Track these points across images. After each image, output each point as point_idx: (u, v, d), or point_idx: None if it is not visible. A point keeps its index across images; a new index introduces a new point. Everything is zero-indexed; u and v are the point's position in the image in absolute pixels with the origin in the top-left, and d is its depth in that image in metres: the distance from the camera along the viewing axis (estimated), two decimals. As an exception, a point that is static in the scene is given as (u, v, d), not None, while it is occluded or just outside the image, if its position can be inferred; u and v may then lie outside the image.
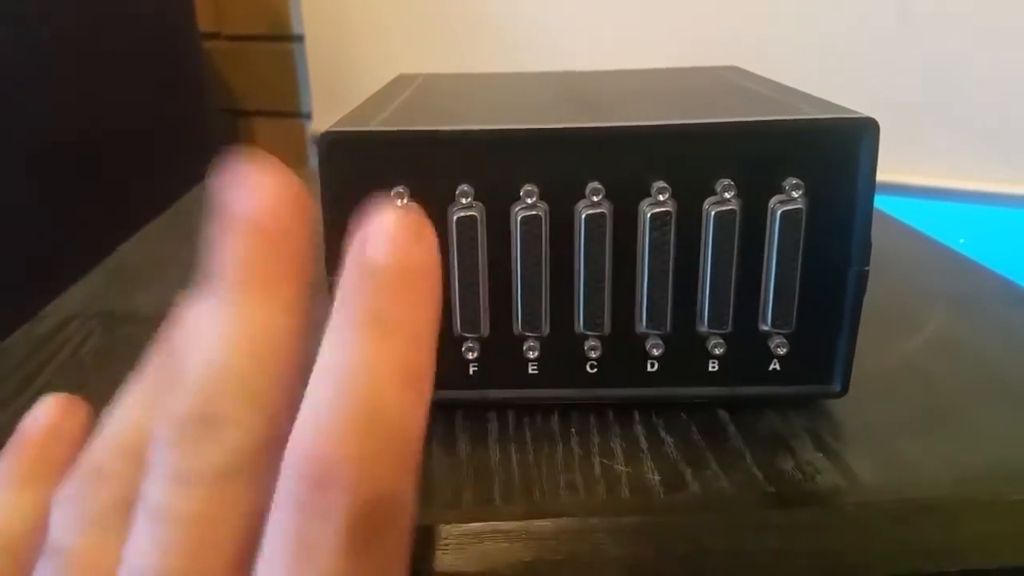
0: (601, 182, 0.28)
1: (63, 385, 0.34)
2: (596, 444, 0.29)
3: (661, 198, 0.28)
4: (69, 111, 0.80)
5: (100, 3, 0.85)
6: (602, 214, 0.28)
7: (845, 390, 0.30)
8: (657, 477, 0.27)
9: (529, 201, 0.28)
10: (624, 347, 0.30)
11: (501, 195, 0.28)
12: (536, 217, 0.28)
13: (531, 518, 0.25)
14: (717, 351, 0.29)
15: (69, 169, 0.80)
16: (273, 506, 0.17)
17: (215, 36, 1.19)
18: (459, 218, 0.28)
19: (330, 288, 0.29)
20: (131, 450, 0.20)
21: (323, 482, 0.17)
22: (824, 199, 0.28)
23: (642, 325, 0.29)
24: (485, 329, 0.29)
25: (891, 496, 0.26)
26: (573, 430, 0.30)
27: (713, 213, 0.28)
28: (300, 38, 1.13)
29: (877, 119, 0.27)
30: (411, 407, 0.18)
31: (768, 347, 0.30)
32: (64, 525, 0.20)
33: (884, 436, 0.29)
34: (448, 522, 0.25)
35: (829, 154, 0.28)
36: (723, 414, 0.31)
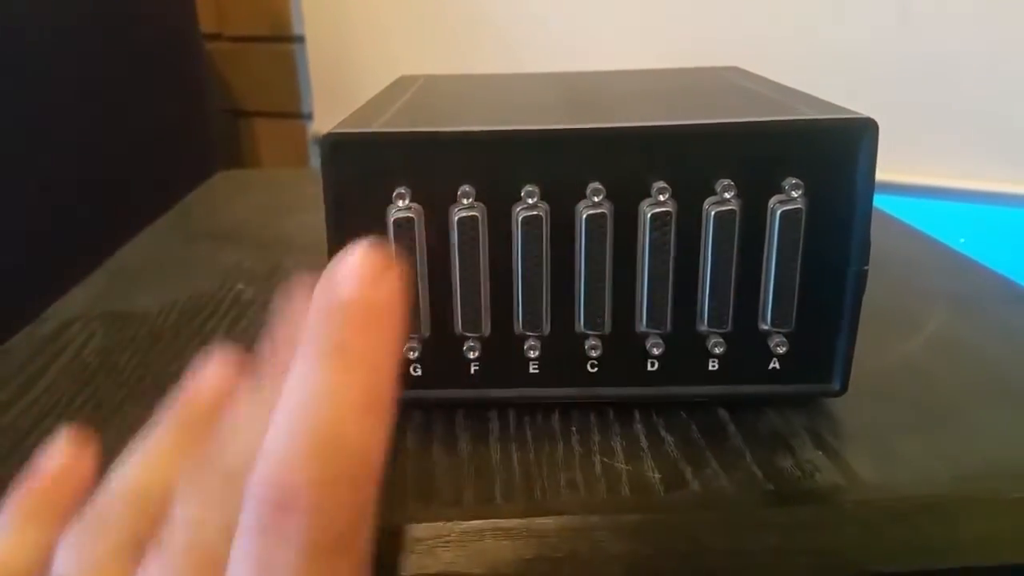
0: (602, 182, 0.28)
1: (66, 386, 0.34)
2: (596, 443, 0.29)
3: (661, 198, 0.28)
4: (70, 113, 0.81)
5: (101, 4, 0.85)
6: (603, 214, 0.28)
7: (844, 389, 0.30)
8: (657, 475, 0.27)
9: (530, 201, 0.28)
10: (624, 346, 0.30)
11: (502, 195, 0.28)
12: (537, 217, 0.28)
13: (532, 516, 0.25)
14: (717, 350, 0.30)
15: (69, 169, 0.80)
16: (238, 531, 0.18)
17: (216, 37, 1.19)
18: (460, 218, 0.28)
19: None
20: (137, 500, 0.21)
21: (284, 506, 0.17)
22: (823, 199, 0.28)
23: (642, 324, 0.29)
24: (486, 329, 0.30)
25: (890, 494, 0.26)
26: (574, 429, 0.30)
27: (713, 213, 0.28)
28: (301, 39, 1.13)
29: (877, 119, 0.27)
30: (371, 434, 0.19)
31: (768, 346, 0.30)
32: (67, 566, 0.21)
33: (883, 434, 0.29)
34: (450, 520, 0.25)
35: (828, 154, 0.28)
36: (723, 413, 0.31)
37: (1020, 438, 0.29)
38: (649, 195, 0.28)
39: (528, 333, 0.30)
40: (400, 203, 0.28)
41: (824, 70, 0.81)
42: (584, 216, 0.28)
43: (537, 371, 0.30)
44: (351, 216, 0.28)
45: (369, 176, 0.28)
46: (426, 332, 0.30)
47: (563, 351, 0.30)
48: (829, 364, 0.30)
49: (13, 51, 0.75)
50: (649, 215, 0.28)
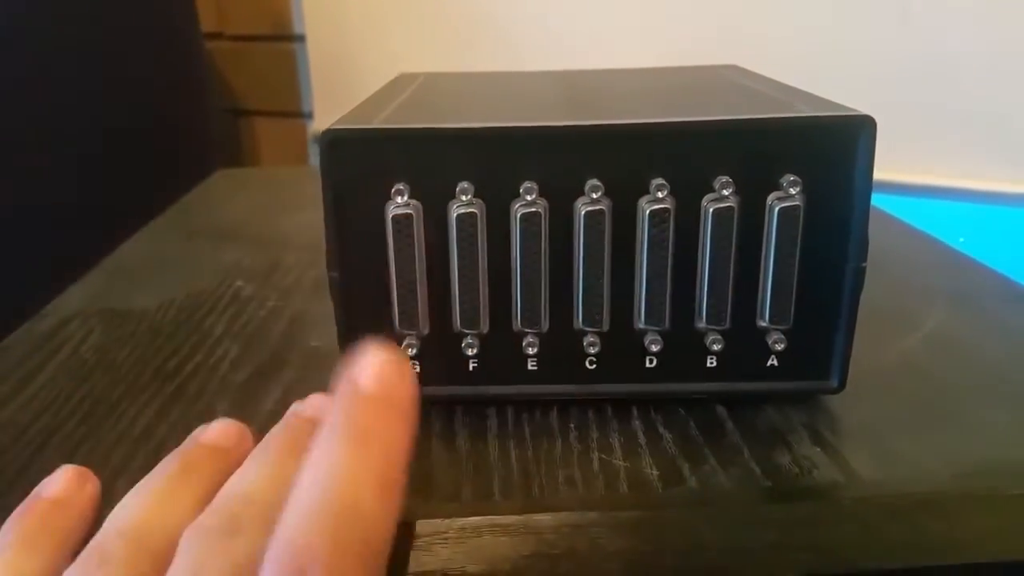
0: (600, 179, 0.28)
1: (64, 383, 0.34)
2: (595, 439, 0.29)
3: (660, 195, 0.28)
4: (71, 111, 0.81)
5: (101, 3, 0.85)
6: (601, 211, 0.28)
7: (842, 386, 0.30)
8: (655, 472, 0.27)
9: (529, 198, 0.28)
10: (623, 343, 0.30)
11: (501, 192, 0.28)
12: (536, 214, 0.28)
13: (530, 512, 0.25)
14: (715, 347, 0.30)
15: (69, 167, 0.80)
16: None
17: (217, 36, 1.19)
18: (459, 215, 0.28)
19: (329, 285, 0.29)
20: (139, 540, 0.22)
21: (302, 569, 0.19)
22: (822, 196, 0.28)
23: (641, 321, 0.29)
24: (485, 325, 0.30)
25: (888, 491, 0.26)
26: (572, 426, 0.30)
27: (711, 210, 0.28)
28: (301, 38, 1.13)
29: (877, 118, 0.27)
30: (382, 511, 0.21)
31: (766, 343, 0.30)
32: None
33: (882, 432, 0.29)
34: (448, 516, 0.25)
35: (827, 151, 0.28)
36: (721, 410, 0.31)
37: (1018, 436, 0.29)
38: (648, 192, 0.28)
39: (527, 330, 0.30)
40: (399, 199, 0.28)
41: (824, 69, 0.81)
42: (583, 213, 0.28)
43: (536, 368, 0.30)
44: (350, 212, 0.28)
45: (368, 172, 0.28)
46: (425, 329, 0.30)
47: (561, 348, 0.30)
48: (827, 361, 0.30)
49: (13, 50, 0.75)
50: (647, 212, 0.28)
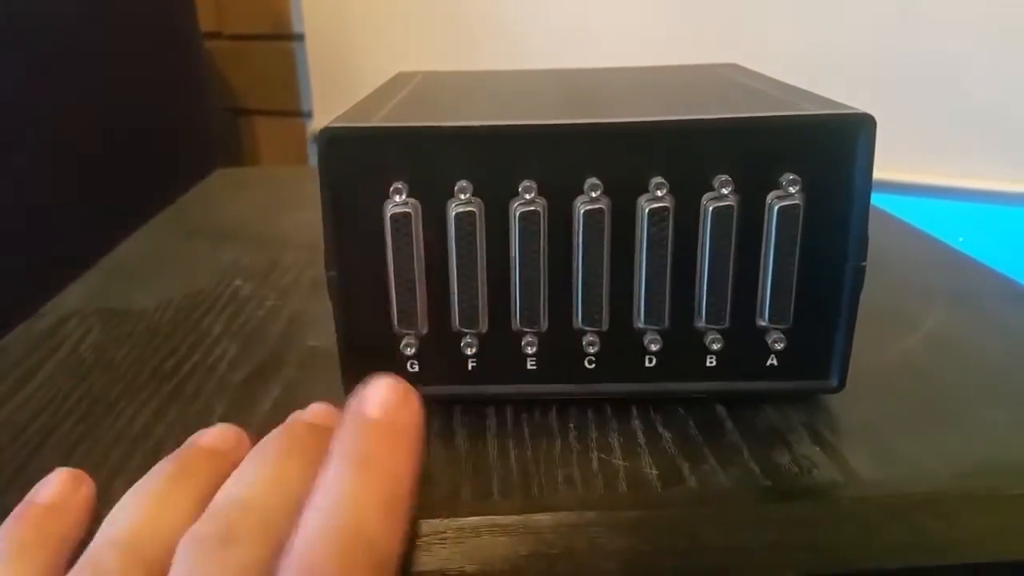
0: (599, 178, 0.28)
1: (62, 382, 0.34)
2: (594, 439, 0.29)
3: (659, 194, 0.28)
4: (70, 110, 0.80)
5: (101, 3, 0.85)
6: (600, 210, 0.28)
7: (842, 385, 0.30)
8: (655, 472, 0.27)
9: (528, 197, 0.28)
10: (622, 342, 0.30)
11: (500, 191, 0.28)
12: (534, 213, 0.28)
13: (529, 512, 0.25)
14: (715, 346, 0.29)
15: (69, 167, 0.80)
16: None
17: (216, 35, 1.19)
18: (458, 214, 0.28)
19: (328, 285, 0.29)
20: (133, 550, 0.22)
21: None
22: (821, 195, 0.28)
23: (640, 321, 0.29)
24: (483, 325, 0.29)
25: (888, 491, 0.26)
26: (571, 425, 0.30)
27: (711, 209, 0.28)
28: (301, 37, 1.13)
29: (877, 117, 0.27)
30: (389, 532, 0.21)
31: (765, 342, 0.30)
32: None
33: (881, 431, 0.29)
34: (446, 516, 0.25)
35: (826, 150, 0.28)
36: (720, 409, 0.31)
37: (1018, 436, 0.29)
38: (647, 191, 0.28)
39: (526, 329, 0.30)
40: (397, 198, 0.28)
41: (824, 69, 0.81)
42: (582, 212, 0.28)
43: (535, 367, 0.30)
44: (348, 211, 0.28)
45: (366, 171, 0.28)
46: (423, 328, 0.30)
47: (561, 347, 0.30)
48: (827, 361, 0.30)
49: (13, 49, 0.75)
50: (647, 211, 0.28)
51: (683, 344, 0.30)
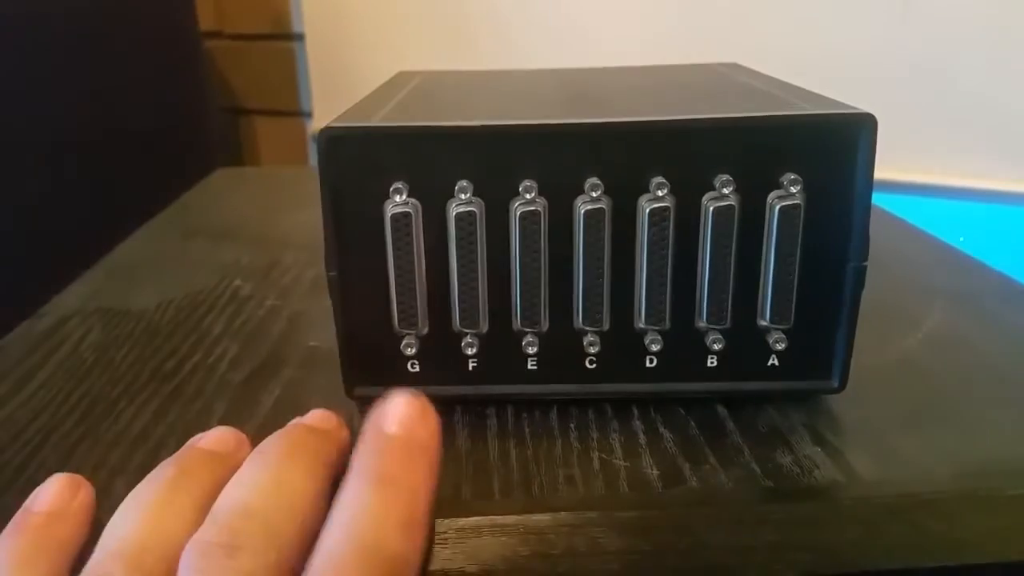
0: (600, 178, 0.28)
1: (62, 382, 0.34)
2: (595, 439, 0.29)
3: (660, 194, 0.28)
4: (70, 110, 0.80)
5: (101, 2, 0.85)
6: (601, 210, 0.28)
7: (843, 386, 0.30)
8: (655, 472, 0.27)
9: (528, 197, 0.28)
10: (623, 343, 0.30)
11: (500, 191, 0.28)
12: (535, 213, 0.28)
13: (530, 512, 0.25)
14: (715, 347, 0.29)
15: (69, 167, 0.80)
16: None
17: (216, 35, 1.19)
18: (458, 213, 0.28)
19: (328, 285, 0.29)
20: (135, 561, 0.22)
21: None
22: (822, 195, 0.28)
23: (641, 321, 0.29)
24: (484, 325, 0.29)
25: (889, 491, 0.26)
26: (572, 425, 0.30)
27: (712, 209, 0.28)
28: (301, 37, 1.13)
29: (877, 116, 0.27)
30: (410, 548, 0.22)
31: (766, 343, 0.30)
32: None
33: (882, 431, 0.29)
34: (447, 516, 0.25)
35: (827, 150, 0.28)
36: (721, 409, 0.31)
37: (1019, 435, 0.29)
38: (647, 191, 0.28)
39: (526, 329, 0.30)
40: (397, 198, 0.28)
41: (824, 68, 0.80)
42: (582, 211, 0.28)
43: (535, 367, 0.30)
44: (348, 211, 0.28)
45: (366, 171, 0.28)
46: (424, 328, 0.30)
47: (561, 347, 0.30)
48: (828, 361, 0.30)
49: (13, 49, 0.75)
50: (647, 211, 0.28)
51: (684, 344, 0.30)
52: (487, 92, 0.39)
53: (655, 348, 0.30)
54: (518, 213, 0.28)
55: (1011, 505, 0.26)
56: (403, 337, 0.30)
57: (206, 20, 1.10)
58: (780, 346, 0.29)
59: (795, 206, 0.28)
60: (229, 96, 1.24)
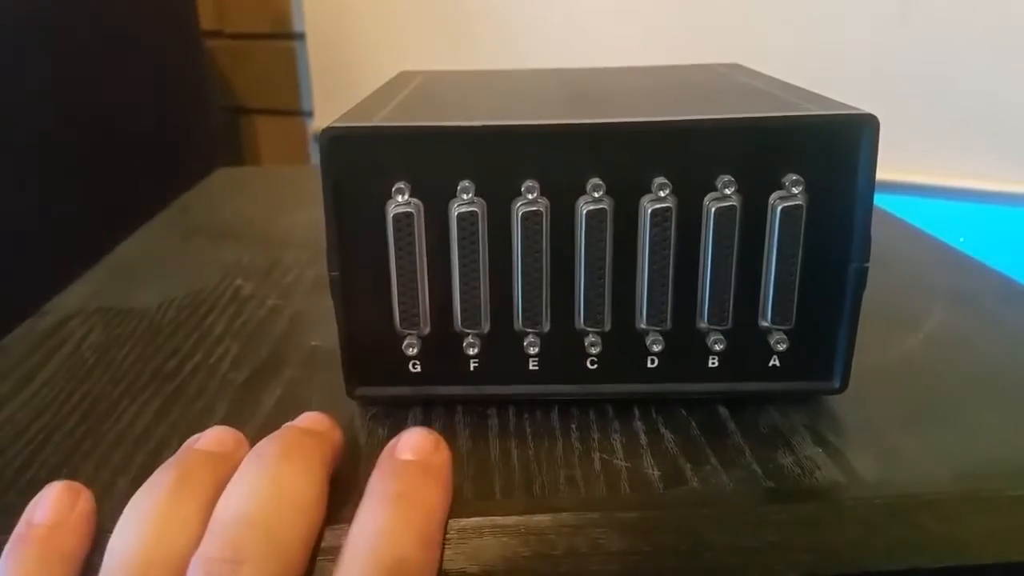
0: (602, 178, 0.28)
1: (64, 381, 0.34)
2: (596, 440, 0.29)
3: (662, 194, 0.28)
4: (70, 110, 0.80)
5: (101, 2, 0.85)
6: (603, 210, 0.28)
7: (844, 386, 0.30)
8: (657, 472, 0.27)
9: (530, 197, 0.28)
10: (624, 343, 0.30)
11: (502, 191, 0.28)
12: (537, 213, 0.28)
13: (531, 513, 0.25)
14: (717, 347, 0.29)
15: (70, 167, 0.80)
16: None
17: (217, 34, 1.19)
18: (460, 214, 0.28)
19: (330, 284, 0.29)
20: (140, 574, 0.22)
21: None
22: (824, 195, 0.28)
23: (642, 321, 0.29)
24: (486, 325, 0.29)
25: (890, 491, 0.26)
26: (573, 426, 0.30)
27: (713, 209, 0.28)
28: (302, 36, 1.13)
29: (878, 117, 0.27)
30: (426, 563, 0.23)
31: (768, 343, 0.30)
32: None
33: (883, 432, 0.29)
34: (448, 517, 0.25)
35: (829, 150, 0.28)
36: (723, 410, 0.31)
37: (1020, 435, 0.29)
38: (649, 191, 0.28)
39: (528, 330, 0.30)
40: (399, 198, 0.28)
41: (824, 69, 0.81)
42: (584, 212, 0.28)
43: (537, 368, 0.30)
44: (350, 211, 0.28)
45: (368, 171, 0.28)
46: (426, 328, 0.30)
47: (563, 348, 0.30)
48: (829, 361, 0.30)
49: (13, 49, 0.75)
50: (649, 211, 0.28)
51: (685, 345, 0.30)
52: (489, 92, 0.39)
53: (656, 348, 0.30)
54: (520, 213, 0.28)
55: (1012, 506, 0.26)
56: (405, 337, 0.30)
57: (207, 19, 1.10)
58: (781, 347, 0.29)
59: (797, 207, 0.28)
60: (230, 95, 1.24)
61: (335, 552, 0.23)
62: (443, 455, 0.26)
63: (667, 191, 0.28)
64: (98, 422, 0.31)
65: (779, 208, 0.28)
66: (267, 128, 1.26)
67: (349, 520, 0.24)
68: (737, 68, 0.44)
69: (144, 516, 0.23)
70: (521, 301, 0.29)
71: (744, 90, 0.36)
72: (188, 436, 0.27)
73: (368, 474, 0.25)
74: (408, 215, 0.28)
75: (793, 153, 0.28)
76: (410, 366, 0.30)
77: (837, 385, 0.30)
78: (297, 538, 0.23)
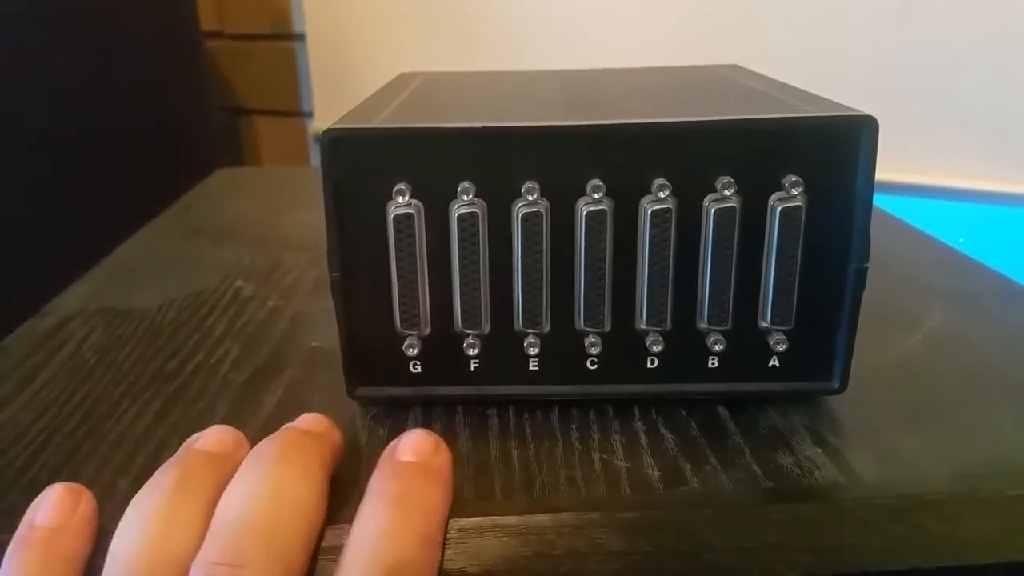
0: (602, 179, 0.28)
1: (64, 382, 0.34)
2: (596, 440, 0.29)
3: (661, 195, 0.28)
4: (70, 110, 0.80)
5: (101, 3, 0.85)
6: (603, 211, 0.28)
7: (844, 387, 0.30)
8: (657, 473, 0.27)
9: (530, 198, 0.28)
10: (624, 344, 0.30)
11: (502, 192, 0.28)
12: (537, 214, 0.28)
13: (531, 513, 0.25)
14: (717, 348, 0.30)
15: (70, 167, 0.80)
16: None
17: (217, 35, 1.19)
18: (460, 215, 0.28)
19: (331, 285, 0.29)
20: (141, 573, 0.22)
21: None
22: (824, 196, 0.28)
23: (642, 322, 0.29)
24: (486, 325, 0.30)
25: (890, 492, 0.26)
26: (573, 426, 0.30)
27: (713, 210, 0.28)
28: (302, 37, 1.13)
29: (878, 118, 0.27)
30: (426, 563, 0.23)
31: (768, 344, 0.30)
32: None
33: (883, 432, 0.29)
34: (449, 517, 0.25)
35: (829, 152, 0.28)
36: (722, 410, 0.31)
37: (1019, 436, 0.29)
38: (649, 192, 0.28)
39: (528, 330, 0.30)
40: (400, 199, 0.28)
41: (824, 69, 0.81)
42: (584, 213, 0.28)
43: (537, 368, 0.30)
44: (351, 212, 0.28)
45: (369, 172, 0.28)
46: (426, 329, 0.30)
47: (563, 348, 0.30)
48: (829, 362, 0.30)
49: (13, 49, 0.75)
50: (649, 212, 0.28)
51: (685, 345, 0.30)
52: (489, 93, 0.39)
53: (656, 349, 0.30)
54: (520, 214, 0.28)
55: (1011, 506, 0.26)
56: (405, 338, 0.30)
57: (207, 20, 1.10)
58: (781, 347, 0.29)
59: (796, 208, 0.28)
60: (230, 96, 1.24)
61: (336, 552, 0.23)
62: (443, 456, 0.26)
63: (667, 192, 0.28)
64: (99, 423, 0.31)
65: (778, 209, 0.28)
66: (267, 129, 1.26)
67: (349, 520, 0.24)
68: (736, 69, 0.45)
69: (146, 517, 0.23)
70: (521, 302, 0.29)
71: (743, 91, 0.36)
72: (189, 437, 0.27)
73: (368, 474, 0.25)
74: (409, 216, 0.28)
75: (792, 154, 0.28)
76: (410, 366, 0.30)
77: (836, 385, 0.30)
78: (297, 540, 0.23)
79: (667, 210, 0.28)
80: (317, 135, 1.15)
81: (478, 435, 0.30)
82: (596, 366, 0.30)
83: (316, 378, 0.34)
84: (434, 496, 0.25)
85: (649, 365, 0.30)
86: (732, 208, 0.28)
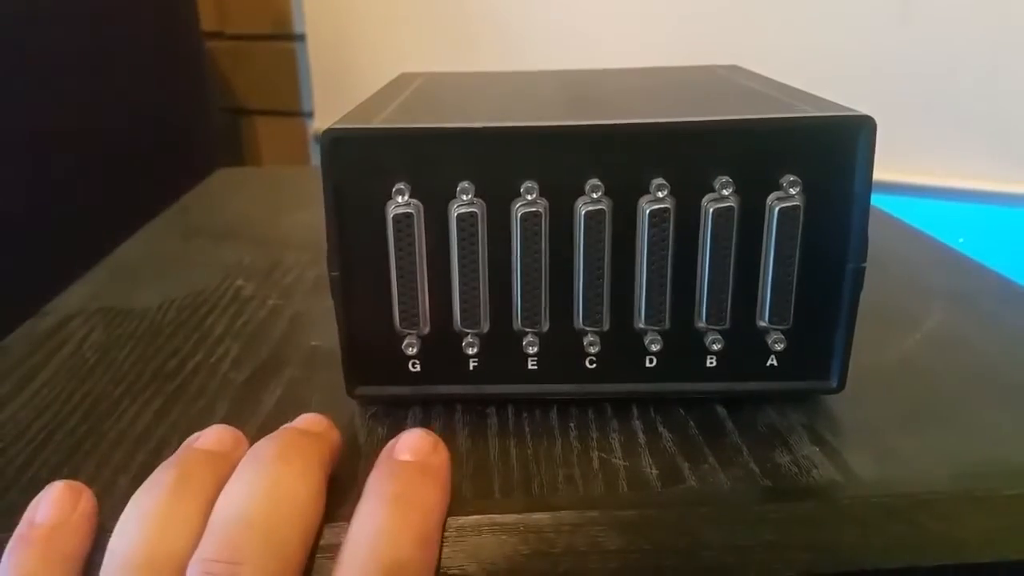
0: (600, 179, 0.28)
1: (65, 381, 0.34)
2: (594, 439, 0.29)
3: (660, 195, 0.28)
4: (70, 110, 0.81)
5: (102, 3, 0.85)
6: (601, 211, 0.28)
7: (842, 386, 0.30)
8: (655, 471, 0.27)
9: (529, 198, 0.28)
10: (623, 343, 0.30)
11: (501, 192, 0.28)
12: (536, 214, 0.28)
13: (529, 511, 0.25)
14: (715, 347, 0.30)
15: (70, 168, 0.80)
16: None
17: (217, 35, 1.19)
18: (460, 214, 0.28)
19: (330, 285, 0.29)
20: (139, 570, 0.22)
21: None
22: (822, 196, 0.28)
23: (641, 321, 0.29)
24: (485, 325, 0.30)
25: (887, 491, 0.26)
26: (572, 425, 0.30)
27: (711, 210, 0.28)
28: (302, 37, 1.13)
29: (877, 118, 0.27)
30: (423, 562, 0.23)
31: (766, 343, 0.30)
32: None
33: (881, 431, 0.29)
34: (447, 515, 0.25)
35: (827, 151, 0.28)
36: (721, 409, 0.31)
37: (1018, 435, 0.29)
38: (648, 192, 0.28)
39: (527, 329, 0.30)
40: (399, 199, 0.28)
41: (824, 69, 0.81)
42: (583, 212, 0.28)
43: (536, 367, 0.31)
44: (351, 212, 0.29)
45: (369, 172, 0.28)
46: (425, 328, 0.30)
47: (562, 347, 0.30)
48: (827, 361, 0.30)
49: (13, 49, 0.75)
50: (647, 212, 0.28)
51: (683, 344, 0.30)
52: (489, 93, 0.39)
53: (655, 348, 0.30)
54: (519, 214, 0.28)
55: (1009, 505, 0.26)
56: (404, 337, 0.30)
57: (207, 20, 1.10)
58: (779, 346, 0.30)
59: (794, 207, 0.28)
60: (230, 96, 1.24)
61: (334, 550, 0.24)
62: (441, 456, 0.26)
63: (665, 192, 0.28)
64: (99, 421, 0.31)
65: (777, 209, 0.28)
66: (267, 129, 1.26)
67: (348, 519, 0.24)
68: (735, 69, 0.45)
69: (145, 515, 0.23)
70: (520, 301, 0.29)
71: (742, 92, 0.36)
72: (189, 435, 0.27)
73: (367, 473, 0.25)
74: (408, 216, 0.28)
75: (790, 154, 0.28)
76: (410, 365, 0.30)
77: (835, 385, 0.30)
78: (295, 538, 0.23)
79: (665, 210, 0.28)
80: (317, 135, 1.15)
81: (477, 434, 0.30)
82: (595, 365, 0.31)
83: (315, 377, 0.34)
84: (432, 495, 0.25)
85: (647, 364, 0.30)
86: (730, 208, 0.28)
